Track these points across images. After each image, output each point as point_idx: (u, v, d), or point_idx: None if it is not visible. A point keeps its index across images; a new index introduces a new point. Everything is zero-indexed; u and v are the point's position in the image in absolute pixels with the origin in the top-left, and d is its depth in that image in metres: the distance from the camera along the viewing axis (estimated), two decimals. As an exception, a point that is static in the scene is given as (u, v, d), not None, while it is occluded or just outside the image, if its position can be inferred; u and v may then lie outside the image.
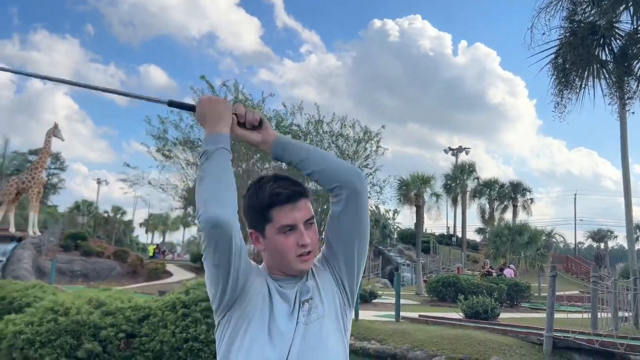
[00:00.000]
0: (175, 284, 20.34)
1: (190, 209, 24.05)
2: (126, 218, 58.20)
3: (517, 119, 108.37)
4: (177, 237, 76.68)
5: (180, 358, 5.02)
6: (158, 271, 28.79)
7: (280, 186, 1.50)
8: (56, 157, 53.98)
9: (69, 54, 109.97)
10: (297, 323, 1.46)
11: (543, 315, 13.10)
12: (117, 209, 55.46)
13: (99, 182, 57.78)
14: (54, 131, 27.09)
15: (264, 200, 1.49)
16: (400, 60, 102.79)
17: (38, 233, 27.62)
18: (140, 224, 68.33)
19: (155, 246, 47.91)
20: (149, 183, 22.70)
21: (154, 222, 66.80)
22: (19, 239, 25.95)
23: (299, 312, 1.48)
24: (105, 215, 54.14)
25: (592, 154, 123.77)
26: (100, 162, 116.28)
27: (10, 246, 25.29)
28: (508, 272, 23.42)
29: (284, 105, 23.66)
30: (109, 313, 5.64)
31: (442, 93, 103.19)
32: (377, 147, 24.37)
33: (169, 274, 29.34)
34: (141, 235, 69.70)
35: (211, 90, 21.72)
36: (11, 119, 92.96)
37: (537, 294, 24.17)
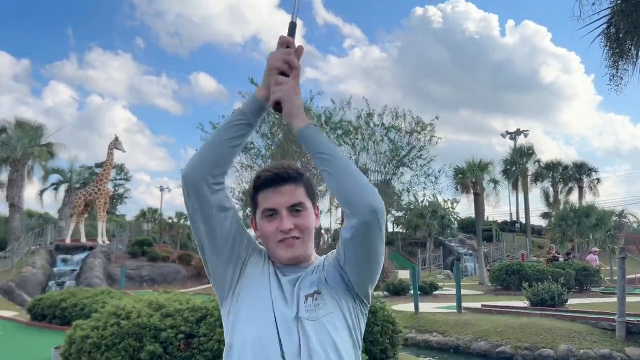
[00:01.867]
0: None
1: (248, 210, 24.56)
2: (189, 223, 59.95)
3: (573, 97, 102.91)
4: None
5: (237, 356, 5.10)
6: (221, 272, 29.48)
7: (266, 169, 1.47)
8: (120, 169, 56.33)
9: (122, 68, 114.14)
10: (298, 318, 1.36)
11: (615, 299, 12.48)
12: (180, 215, 57.11)
13: (161, 189, 59.63)
14: (115, 143, 28.30)
15: (251, 184, 1.49)
16: (446, 46, 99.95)
17: (107, 241, 28.91)
18: (203, 228, 70.13)
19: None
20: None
21: (216, 225, 68.44)
22: (90, 248, 27.25)
23: (300, 306, 1.38)
24: (170, 220, 55.93)
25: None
26: (160, 170, 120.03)
27: (82, 255, 26.64)
28: (591, 258, 22.13)
29: (333, 102, 23.76)
30: (168, 315, 5.81)
31: (492, 76, 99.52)
32: (431, 136, 24.01)
33: (232, 275, 30.02)
34: (204, 238, 71.65)
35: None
36: (76, 135, 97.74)
37: (609, 278, 23.06)
